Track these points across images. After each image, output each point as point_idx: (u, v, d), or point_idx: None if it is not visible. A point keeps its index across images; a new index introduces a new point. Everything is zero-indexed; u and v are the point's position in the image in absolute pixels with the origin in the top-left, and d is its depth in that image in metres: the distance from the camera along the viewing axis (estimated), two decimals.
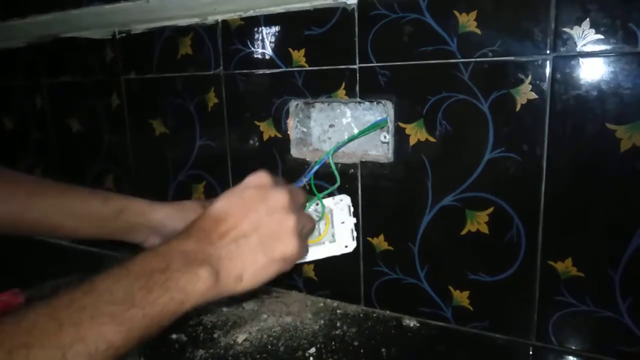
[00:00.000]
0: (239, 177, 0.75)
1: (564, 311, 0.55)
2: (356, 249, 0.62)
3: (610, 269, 0.52)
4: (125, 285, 0.36)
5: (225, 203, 0.45)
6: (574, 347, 0.56)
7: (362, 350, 0.58)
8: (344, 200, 0.63)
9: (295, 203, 0.48)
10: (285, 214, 0.45)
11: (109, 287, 0.36)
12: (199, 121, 0.78)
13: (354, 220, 0.61)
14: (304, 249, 0.47)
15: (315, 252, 0.59)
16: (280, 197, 0.46)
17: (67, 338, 0.32)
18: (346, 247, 0.60)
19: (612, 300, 0.53)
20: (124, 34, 0.82)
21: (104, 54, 0.85)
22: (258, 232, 0.44)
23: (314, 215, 0.61)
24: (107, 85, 0.87)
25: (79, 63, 0.90)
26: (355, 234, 0.60)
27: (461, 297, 0.61)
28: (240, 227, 0.43)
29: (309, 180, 0.64)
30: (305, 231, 0.49)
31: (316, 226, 0.61)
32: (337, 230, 0.61)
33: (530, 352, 0.57)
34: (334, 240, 0.60)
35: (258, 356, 0.58)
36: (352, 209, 0.62)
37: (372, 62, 0.61)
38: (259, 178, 0.47)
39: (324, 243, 0.60)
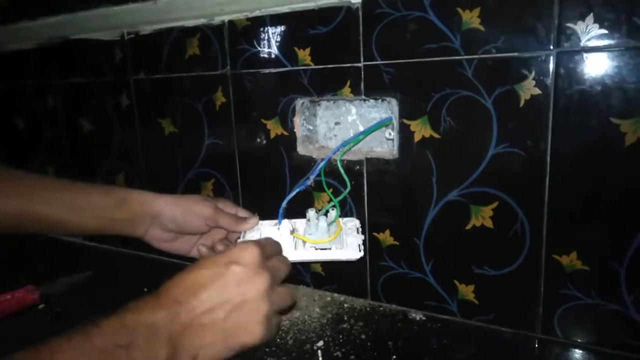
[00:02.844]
0: (246, 175, 0.77)
1: (569, 304, 0.56)
2: (362, 243, 0.63)
3: (616, 263, 0.52)
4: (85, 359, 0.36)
5: (204, 273, 0.44)
6: (579, 340, 0.56)
7: (369, 344, 0.59)
8: (353, 222, 0.64)
9: (277, 279, 0.47)
10: (260, 301, 0.44)
11: (68, 357, 0.35)
12: (207, 120, 0.79)
13: (362, 237, 0.62)
14: (269, 332, 0.46)
15: (322, 255, 0.60)
16: (261, 282, 0.45)
17: None
18: (353, 254, 0.61)
19: (617, 293, 0.53)
20: (132, 35, 0.84)
21: (113, 55, 0.87)
22: (226, 319, 0.43)
23: (323, 222, 0.61)
24: (116, 86, 0.88)
25: (89, 64, 0.91)
26: (362, 247, 0.61)
27: (466, 291, 0.62)
28: (212, 309, 0.43)
29: (319, 178, 0.65)
30: (279, 307, 0.48)
31: (327, 228, 0.62)
32: (345, 239, 0.61)
33: (536, 345, 0.57)
34: (342, 247, 0.61)
35: (267, 349, 0.59)
36: (360, 230, 0.63)
37: (377, 60, 0.62)
38: (248, 254, 0.45)
39: (331, 248, 0.60)
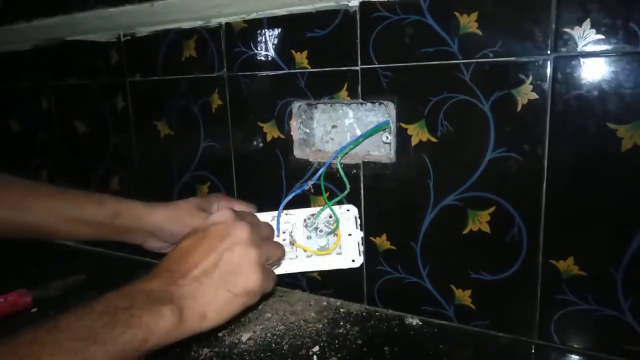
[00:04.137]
0: (242, 178, 0.76)
1: (566, 310, 0.55)
2: (362, 241, 0.63)
3: (612, 268, 0.52)
4: (88, 323, 0.37)
5: (188, 242, 0.47)
6: (576, 346, 0.56)
7: (365, 349, 0.59)
8: (351, 211, 0.63)
9: (258, 235, 0.49)
10: (245, 247, 0.46)
11: (71, 324, 0.36)
12: (203, 123, 0.79)
13: (361, 233, 0.61)
14: (268, 279, 0.48)
15: (322, 264, 0.60)
16: (240, 231, 0.47)
17: None
18: (353, 261, 0.61)
19: (614, 299, 0.53)
20: (128, 37, 0.83)
21: (109, 57, 0.86)
22: (219, 269, 0.45)
23: (323, 226, 0.61)
24: (112, 88, 0.88)
25: (85, 65, 0.91)
26: (362, 247, 0.61)
27: (463, 296, 0.61)
28: (202, 265, 0.44)
29: (318, 182, 0.65)
30: (272, 262, 0.50)
31: (326, 238, 0.61)
32: (343, 242, 0.61)
33: (533, 351, 0.57)
34: (341, 253, 0.61)
35: (262, 355, 0.59)
36: (359, 221, 0.63)
37: (374, 64, 0.61)
38: (221, 216, 0.49)
39: (331, 254, 0.60)
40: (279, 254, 0.52)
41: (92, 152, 0.95)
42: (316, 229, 0.62)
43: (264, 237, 0.51)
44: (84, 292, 0.79)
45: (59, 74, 0.95)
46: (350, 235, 0.61)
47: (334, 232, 0.62)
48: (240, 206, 0.65)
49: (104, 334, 0.37)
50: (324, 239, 0.61)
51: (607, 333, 0.54)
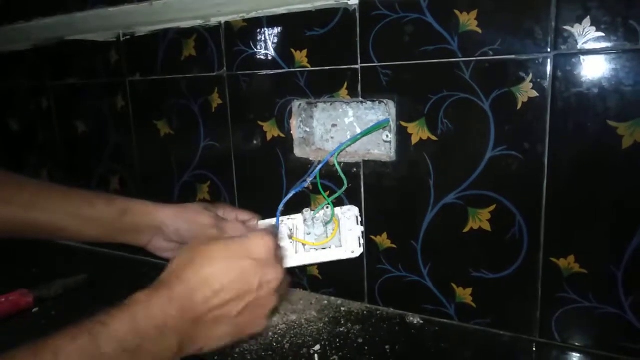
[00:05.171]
0: (243, 177, 0.76)
1: (567, 308, 0.55)
2: (362, 235, 0.63)
3: (613, 266, 0.52)
4: None
5: (223, 268, 0.43)
6: (577, 344, 0.56)
7: (366, 348, 0.59)
8: (352, 210, 0.64)
9: (285, 275, 0.47)
10: (272, 297, 0.45)
11: None
12: (203, 122, 0.79)
13: (362, 228, 0.62)
14: (269, 321, 0.47)
15: (321, 256, 0.60)
16: (275, 279, 0.45)
17: None
18: (352, 252, 0.61)
19: (615, 296, 0.53)
20: (128, 36, 0.83)
21: (109, 56, 0.86)
22: (240, 314, 0.43)
23: (323, 219, 0.62)
24: (112, 87, 0.88)
25: (84, 65, 0.91)
26: (362, 241, 0.61)
27: (464, 294, 0.61)
28: (227, 304, 0.42)
29: (315, 181, 0.65)
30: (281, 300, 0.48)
31: (324, 229, 0.61)
32: (344, 236, 0.61)
33: (534, 349, 0.57)
34: (341, 246, 0.61)
35: (263, 354, 0.59)
36: (359, 219, 0.63)
37: (374, 62, 0.61)
38: (265, 248, 0.45)
39: (330, 247, 0.60)
40: (287, 290, 0.50)
41: (92, 151, 0.95)
42: (314, 221, 0.62)
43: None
44: (85, 291, 0.79)
45: (59, 74, 0.95)
46: (350, 230, 0.61)
47: (330, 220, 0.62)
48: (245, 216, 0.65)
49: None
50: (321, 228, 0.61)
51: (608, 331, 0.54)
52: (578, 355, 0.56)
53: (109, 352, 0.36)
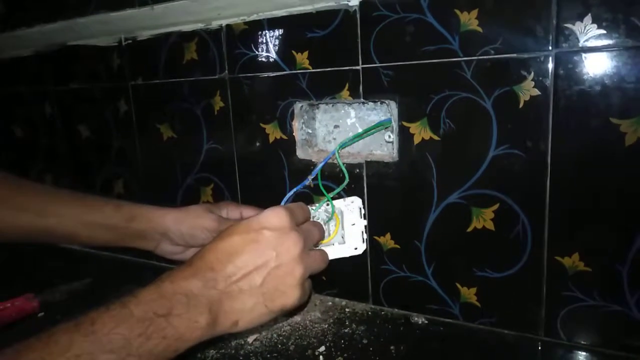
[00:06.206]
0: (246, 180, 0.77)
1: (572, 306, 0.55)
2: (365, 230, 0.63)
3: (618, 263, 0.52)
4: (125, 332, 0.36)
5: (237, 240, 0.44)
6: (582, 342, 0.56)
7: (371, 349, 0.59)
8: (355, 202, 0.63)
9: (308, 245, 0.47)
10: (295, 264, 0.45)
11: (108, 333, 0.36)
12: (206, 125, 0.79)
13: (365, 222, 0.61)
14: (305, 295, 0.47)
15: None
16: (293, 245, 0.45)
17: None
18: (356, 249, 0.61)
19: (620, 294, 0.53)
20: (130, 41, 0.83)
21: (111, 61, 0.87)
22: (264, 283, 0.43)
23: (324, 216, 0.62)
24: (114, 92, 0.88)
25: (87, 70, 0.91)
26: (365, 236, 0.61)
27: (469, 294, 0.61)
28: (248, 274, 0.43)
29: (316, 180, 0.65)
30: (313, 271, 0.48)
31: (325, 227, 0.61)
32: (347, 231, 0.61)
33: (539, 348, 0.57)
34: (344, 242, 0.60)
35: (268, 355, 0.59)
36: (363, 211, 0.63)
37: (375, 63, 0.61)
38: (278, 218, 0.46)
39: (333, 244, 0.60)
40: (321, 264, 0.49)
41: (96, 156, 0.95)
42: (315, 219, 0.62)
43: (313, 243, 0.49)
44: (91, 295, 0.79)
45: (61, 79, 0.96)
46: (354, 225, 0.61)
47: (331, 219, 0.62)
48: (249, 212, 0.66)
49: (140, 345, 0.37)
50: (323, 227, 0.61)
51: (613, 329, 0.54)
52: (583, 353, 0.55)
53: (140, 315, 0.37)
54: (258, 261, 0.44)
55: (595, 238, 0.53)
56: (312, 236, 0.49)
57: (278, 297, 0.44)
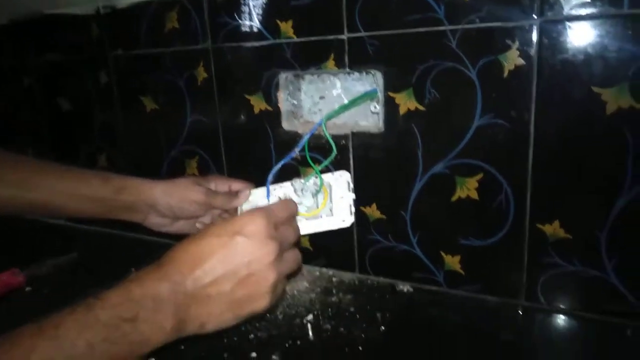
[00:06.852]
0: (231, 152, 0.76)
1: (552, 272, 0.57)
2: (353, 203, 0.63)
3: (597, 230, 0.53)
4: (90, 337, 0.36)
5: (210, 245, 0.43)
6: (562, 306, 0.58)
7: (358, 316, 0.60)
8: (344, 176, 0.63)
9: (285, 247, 0.46)
10: (267, 272, 0.44)
11: (73, 338, 0.35)
12: (189, 96, 0.78)
13: (353, 195, 0.62)
14: (275, 300, 0.46)
15: (312, 226, 0.60)
16: (267, 254, 0.43)
17: None
18: (343, 221, 0.61)
19: (598, 260, 0.54)
20: (108, 10, 0.81)
21: (90, 31, 0.84)
22: (233, 290, 0.42)
23: (313, 189, 0.62)
24: (94, 63, 0.86)
25: (65, 40, 0.89)
26: (353, 209, 0.61)
27: (453, 262, 0.63)
28: (217, 280, 0.42)
29: (303, 152, 0.65)
30: (286, 274, 0.47)
31: (314, 199, 0.62)
32: (335, 204, 0.61)
33: (520, 312, 0.59)
34: (332, 215, 0.61)
35: (257, 324, 0.60)
36: (351, 184, 0.63)
37: (360, 32, 0.61)
38: (254, 225, 0.44)
39: (321, 217, 0.60)
40: (294, 266, 0.48)
41: (78, 129, 0.94)
42: (304, 192, 0.62)
43: (289, 246, 0.48)
44: (77, 269, 0.79)
45: (39, 50, 0.93)
46: (342, 198, 0.62)
47: (320, 191, 0.62)
48: (238, 185, 0.65)
49: (104, 350, 0.36)
50: (311, 200, 0.61)
51: (591, 293, 0.56)
52: (562, 317, 0.57)
53: (106, 320, 0.37)
54: (228, 268, 0.42)
55: (575, 206, 0.54)
56: (288, 240, 0.47)
57: (247, 304, 0.44)
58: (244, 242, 0.43)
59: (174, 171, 0.83)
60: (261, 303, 0.44)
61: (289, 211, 0.50)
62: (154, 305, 0.39)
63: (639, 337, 0.53)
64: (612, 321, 0.55)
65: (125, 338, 0.37)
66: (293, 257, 0.48)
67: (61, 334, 0.35)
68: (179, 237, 0.46)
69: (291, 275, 0.49)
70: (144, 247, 0.84)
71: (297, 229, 0.50)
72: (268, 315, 0.61)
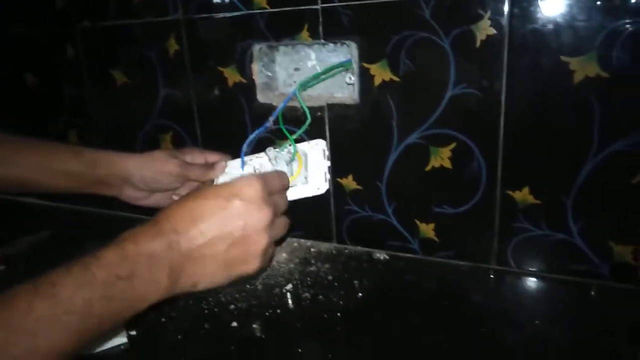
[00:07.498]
0: (206, 126, 0.75)
1: (522, 236, 0.59)
2: (327, 190, 0.64)
3: (564, 196, 0.55)
4: (87, 294, 0.36)
5: (207, 206, 0.43)
6: (531, 269, 0.60)
7: (336, 284, 0.62)
8: (319, 144, 0.63)
9: (278, 214, 0.47)
10: (260, 235, 0.45)
11: (70, 295, 0.35)
12: (161, 70, 0.76)
13: (328, 163, 0.62)
14: (266, 263, 0.47)
15: (288, 194, 0.60)
16: (262, 218, 0.44)
17: (21, 349, 0.33)
18: (318, 189, 0.61)
19: (565, 224, 0.57)
20: None
21: (54, 2, 0.81)
22: (227, 251, 0.43)
23: (287, 157, 0.62)
24: (60, 36, 0.83)
25: (29, 12, 0.85)
26: (328, 176, 0.61)
27: (427, 230, 0.64)
28: (212, 241, 0.43)
29: (278, 122, 0.64)
30: (276, 239, 0.48)
31: (288, 168, 0.62)
32: (310, 172, 0.62)
33: (491, 276, 0.61)
34: (307, 182, 0.61)
35: (237, 295, 0.61)
36: (327, 152, 0.63)
37: (334, 2, 0.60)
38: (251, 188, 0.45)
39: (296, 185, 0.61)
40: (284, 231, 0.50)
41: (46, 105, 0.91)
42: (278, 160, 0.62)
43: (281, 213, 0.49)
44: (51, 247, 0.78)
45: (1, 23, 0.89)
46: (317, 166, 0.62)
47: (294, 159, 0.62)
48: (214, 157, 0.65)
49: (101, 307, 0.37)
50: (285, 168, 0.61)
51: (559, 255, 0.58)
52: (531, 279, 0.60)
53: (102, 278, 0.37)
54: (224, 229, 0.43)
55: (544, 173, 0.56)
56: (280, 208, 0.49)
57: (239, 265, 0.45)
58: (240, 205, 0.44)
59: (149, 147, 0.81)
60: (252, 265, 0.45)
61: (282, 182, 0.51)
62: (149, 262, 0.40)
63: (603, 295, 0.56)
64: (577, 281, 0.58)
65: (122, 295, 0.38)
66: (283, 223, 0.49)
67: (58, 292, 0.35)
68: (155, 212, 0.46)
69: (278, 242, 0.50)
70: (118, 223, 0.83)
71: (287, 200, 0.52)
72: (248, 285, 0.62)
